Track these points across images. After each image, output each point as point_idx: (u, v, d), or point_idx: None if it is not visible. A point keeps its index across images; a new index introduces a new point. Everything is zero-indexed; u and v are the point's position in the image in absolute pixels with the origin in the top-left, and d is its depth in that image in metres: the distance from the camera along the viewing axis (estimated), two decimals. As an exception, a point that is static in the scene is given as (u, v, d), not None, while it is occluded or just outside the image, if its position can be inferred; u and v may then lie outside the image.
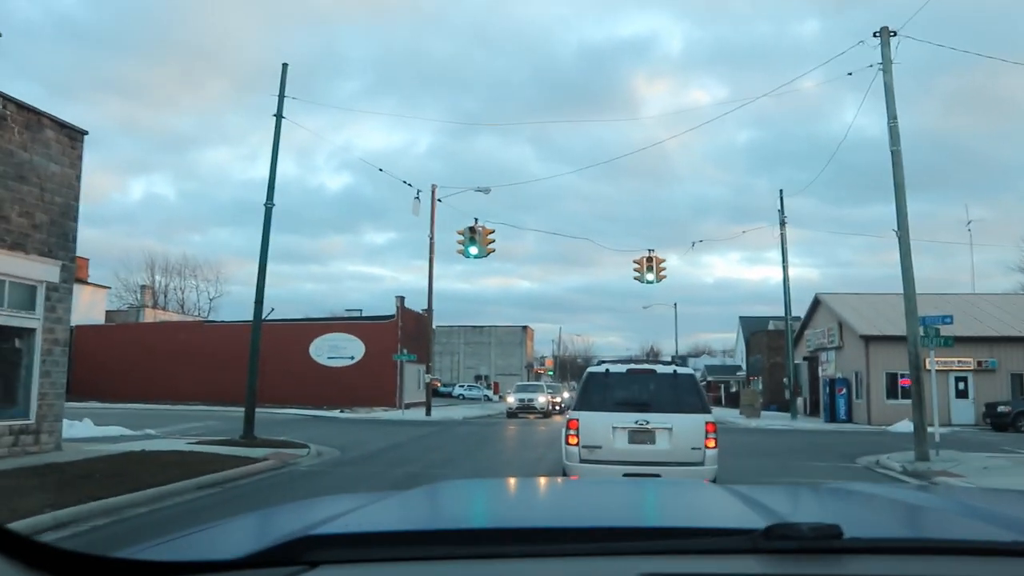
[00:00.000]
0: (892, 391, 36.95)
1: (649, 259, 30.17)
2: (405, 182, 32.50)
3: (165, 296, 76.55)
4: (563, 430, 11.53)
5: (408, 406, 42.93)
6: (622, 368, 11.77)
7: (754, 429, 33.34)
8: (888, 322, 36.74)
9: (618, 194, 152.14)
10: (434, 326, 45.28)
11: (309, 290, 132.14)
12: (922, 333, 18.18)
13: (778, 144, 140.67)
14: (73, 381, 45.33)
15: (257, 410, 20.26)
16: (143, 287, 70.35)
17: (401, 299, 47.61)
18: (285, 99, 21.16)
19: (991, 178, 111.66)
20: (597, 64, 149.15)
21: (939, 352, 19.48)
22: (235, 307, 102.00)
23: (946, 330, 19.37)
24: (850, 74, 18.98)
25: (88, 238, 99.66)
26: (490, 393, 75.67)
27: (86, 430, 20.13)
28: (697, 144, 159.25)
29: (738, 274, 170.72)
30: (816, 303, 46.22)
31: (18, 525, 8.05)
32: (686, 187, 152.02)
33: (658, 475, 10.12)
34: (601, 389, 11.34)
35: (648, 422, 10.77)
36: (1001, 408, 32.90)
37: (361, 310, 58.68)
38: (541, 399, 41.00)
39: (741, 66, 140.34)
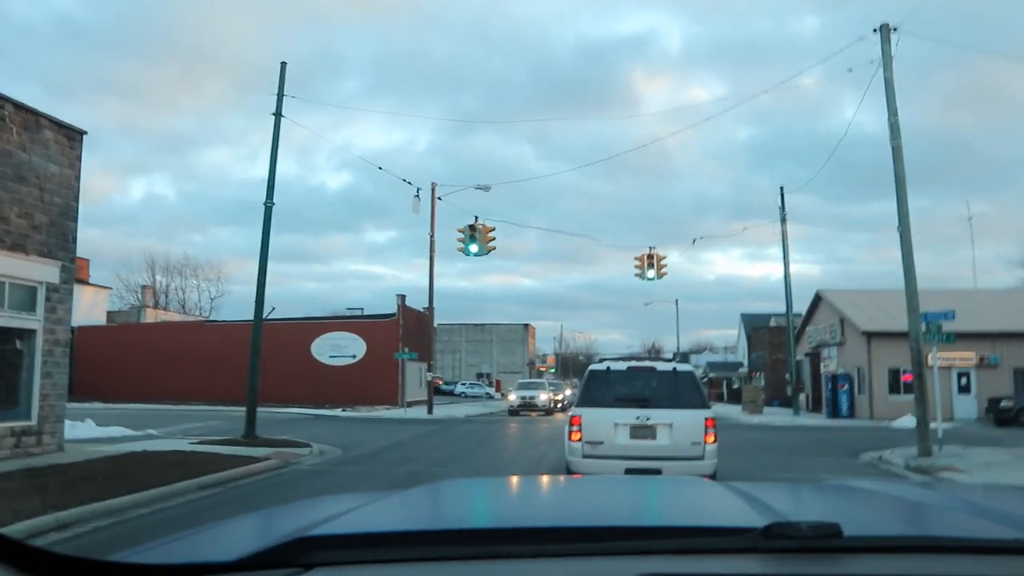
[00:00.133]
0: (894, 387, 36.91)
1: (650, 256, 30.15)
2: (405, 180, 32.44)
3: (166, 296, 76.59)
4: (566, 427, 11.74)
5: (410, 404, 42.95)
6: (623, 366, 12.05)
7: (756, 425, 33.33)
8: (890, 318, 36.67)
9: (618, 191, 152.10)
10: (436, 324, 45.30)
11: (311, 289, 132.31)
12: (924, 329, 18.14)
13: (778, 141, 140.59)
14: (75, 382, 45.39)
15: (259, 409, 20.24)
16: (144, 287, 70.39)
17: (402, 297, 47.61)
18: (284, 98, 21.14)
19: (992, 173, 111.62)
20: (596, 61, 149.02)
21: (941, 348, 19.43)
22: (236, 307, 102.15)
23: (948, 326, 19.32)
24: (850, 70, 18.97)
25: (89, 239, 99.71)
26: (492, 391, 75.74)
27: (88, 431, 20.13)
28: (697, 141, 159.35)
29: (739, 271, 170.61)
30: (817, 299, 46.17)
31: (20, 527, 8.04)
32: (686, 184, 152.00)
33: (659, 470, 10.40)
34: (603, 386, 11.56)
35: (649, 418, 11.02)
36: (1004, 403, 32.86)
37: (362, 309, 58.70)
38: (543, 397, 40.86)
39: (740, 63, 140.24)
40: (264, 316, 20.98)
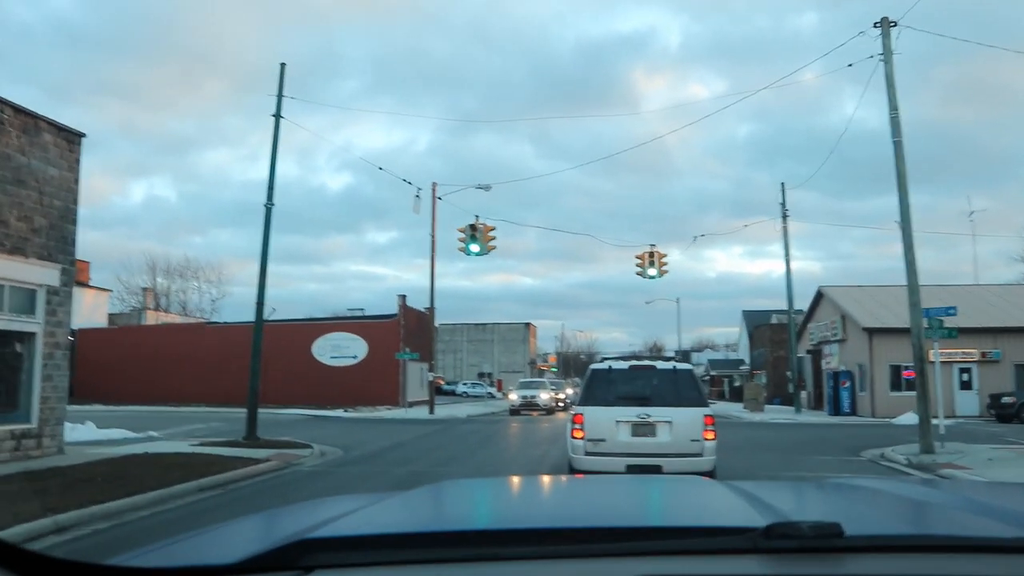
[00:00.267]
0: (896, 383, 36.86)
1: (651, 254, 30.10)
2: (405, 180, 32.46)
3: (167, 298, 76.58)
4: (568, 425, 12.06)
5: (411, 404, 42.94)
6: (624, 365, 12.35)
7: (758, 423, 33.30)
8: (891, 314, 36.65)
9: (619, 190, 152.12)
10: (437, 324, 45.27)
11: (312, 290, 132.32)
12: (926, 325, 18.10)
13: (778, 138, 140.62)
14: (76, 384, 45.42)
15: (260, 411, 20.21)
16: (145, 290, 70.40)
17: (403, 298, 47.59)
18: (284, 99, 21.12)
19: (993, 168, 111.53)
20: (595, 60, 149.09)
21: (943, 343, 19.39)
22: (237, 308, 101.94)
23: (950, 321, 19.29)
24: (850, 65, 18.89)
25: (89, 241, 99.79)
26: (494, 390, 75.74)
27: (89, 433, 20.11)
28: (697, 139, 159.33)
29: (740, 268, 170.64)
30: (819, 296, 46.13)
31: (19, 530, 8.02)
32: (687, 182, 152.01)
33: (659, 466, 10.78)
34: (604, 385, 11.83)
35: (649, 416, 11.32)
36: (1005, 399, 32.78)
37: (363, 309, 58.70)
38: (544, 396, 40.50)
39: (740, 60, 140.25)
40: (265, 317, 20.95)
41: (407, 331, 45.74)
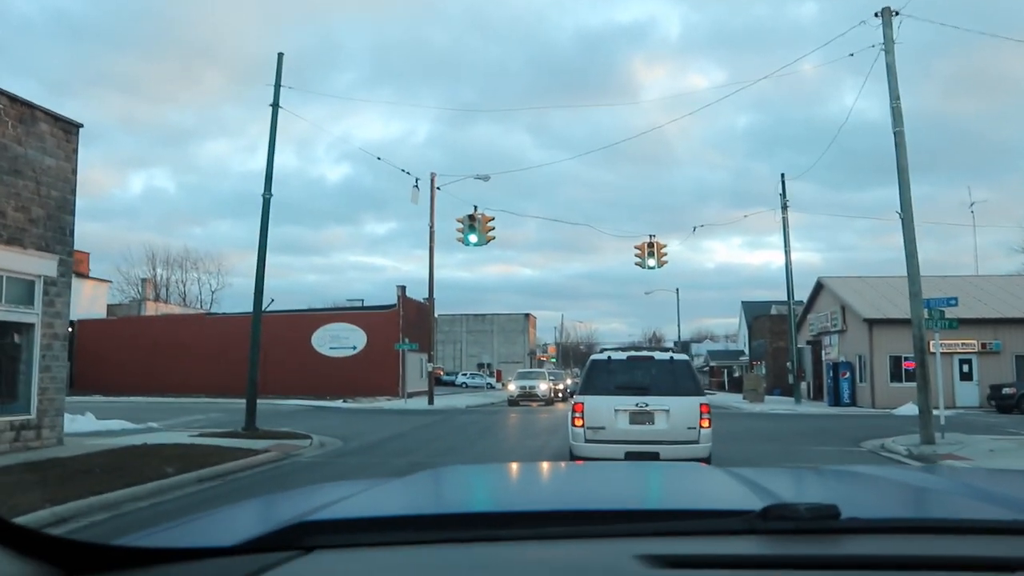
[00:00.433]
0: (896, 374, 36.87)
1: (650, 244, 30.05)
2: (403, 170, 32.34)
3: (167, 289, 76.59)
4: (569, 413, 12.50)
5: (411, 395, 42.91)
6: (623, 355, 12.81)
7: (758, 414, 33.29)
8: (892, 305, 36.64)
9: (618, 180, 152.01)
10: (436, 315, 45.23)
11: (311, 281, 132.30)
12: (927, 315, 18.07)
13: (778, 128, 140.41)
14: (76, 375, 45.51)
15: (260, 401, 20.18)
16: (144, 280, 70.30)
17: (402, 288, 47.53)
18: (282, 89, 21.02)
19: (993, 159, 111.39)
20: (594, 49, 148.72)
21: (943, 334, 19.36)
22: (237, 299, 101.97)
23: (950, 312, 19.25)
24: (852, 55, 18.80)
25: (89, 232, 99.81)
26: (493, 381, 75.74)
27: (88, 424, 20.07)
28: (697, 129, 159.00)
29: (740, 259, 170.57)
30: (819, 287, 46.08)
31: (17, 521, 7.98)
32: (686, 172, 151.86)
33: (657, 453, 11.24)
34: (604, 375, 12.30)
35: (647, 404, 11.77)
36: (1006, 390, 32.80)
37: (363, 300, 58.68)
38: (543, 386, 40.33)
39: (740, 50, 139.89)
40: (263, 308, 20.90)
41: (406, 322, 45.71)
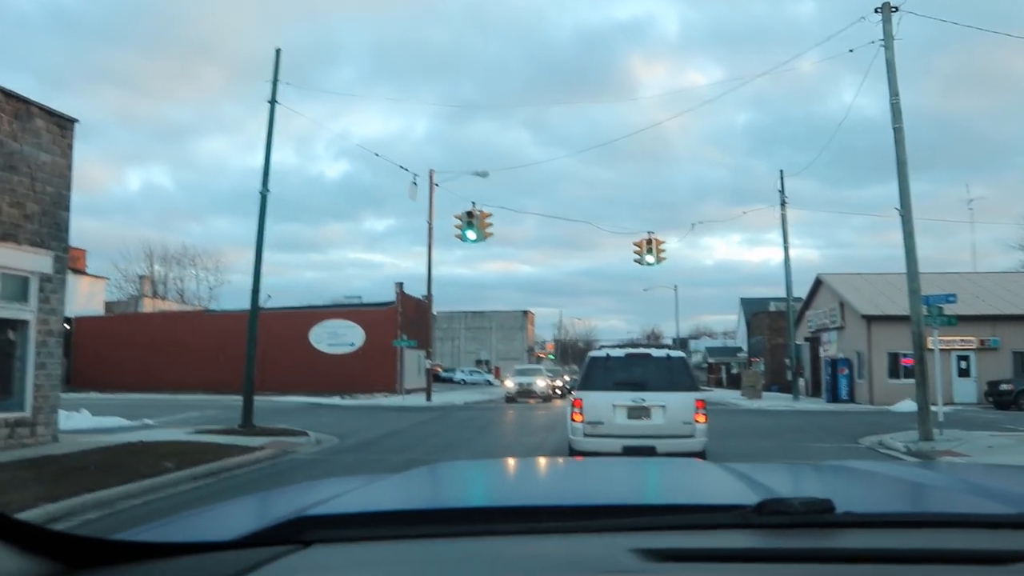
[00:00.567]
0: (894, 371, 36.86)
1: (649, 241, 29.97)
2: (402, 167, 32.32)
3: (164, 286, 76.41)
4: (568, 409, 12.91)
5: (409, 392, 42.84)
6: (621, 352, 13.14)
7: (756, 410, 33.27)
8: (890, 302, 36.61)
9: (618, 177, 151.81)
10: (434, 311, 45.17)
11: (310, 278, 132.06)
12: (926, 312, 18.02)
13: (777, 126, 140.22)
14: (72, 372, 45.46)
15: (257, 398, 20.11)
16: (142, 277, 70.14)
17: (400, 285, 47.48)
18: (281, 86, 20.96)
19: (991, 156, 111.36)
20: (593, 47, 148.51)
21: (942, 331, 19.32)
22: (235, 296, 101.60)
23: (949, 309, 19.21)
24: (851, 51, 18.74)
25: (87, 229, 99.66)
26: (491, 378, 75.68)
27: (83, 421, 19.98)
28: (696, 127, 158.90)
29: (738, 256, 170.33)
30: (817, 283, 46.05)
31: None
32: (685, 170, 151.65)
33: (654, 447, 11.56)
34: (602, 371, 12.61)
35: (644, 400, 12.10)
36: (1003, 386, 32.80)
37: (361, 297, 58.51)
38: (541, 383, 39.95)
39: (738, 47, 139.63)
40: (261, 304, 20.84)
41: (404, 318, 45.64)
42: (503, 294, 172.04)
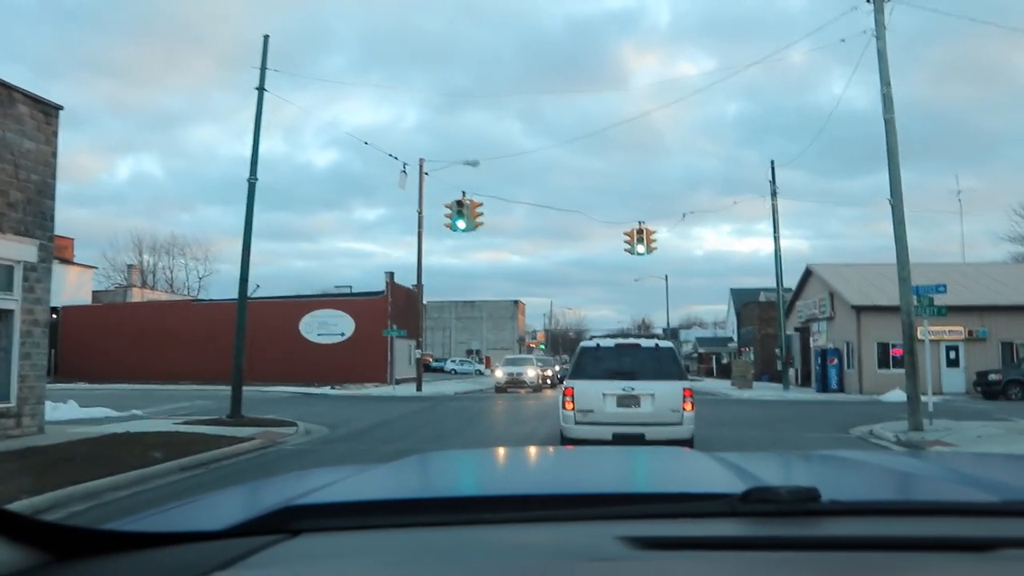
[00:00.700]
0: (883, 361, 36.97)
1: (639, 231, 29.91)
2: (391, 155, 32.07)
3: (154, 275, 76.11)
4: (559, 397, 13.20)
5: (399, 382, 42.76)
6: (611, 343, 13.53)
7: (746, 400, 33.32)
8: (880, 292, 36.67)
9: (608, 167, 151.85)
10: (425, 301, 45.02)
11: (300, 267, 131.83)
12: (916, 302, 18.02)
13: (768, 117, 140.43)
14: (60, 363, 45.21)
15: (246, 388, 19.99)
16: (130, 267, 69.73)
17: (390, 275, 47.29)
18: (270, 73, 20.77)
19: (981, 148, 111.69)
20: (585, 37, 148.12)
21: (932, 321, 19.33)
22: (225, 285, 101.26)
23: (939, 299, 19.22)
24: (843, 40, 18.64)
25: (75, 219, 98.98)
26: (482, 368, 75.61)
27: (71, 412, 19.83)
28: (687, 117, 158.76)
29: (729, 246, 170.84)
30: (807, 274, 46.11)
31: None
32: (676, 160, 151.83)
33: (643, 434, 11.96)
34: (593, 361, 12.95)
35: (634, 389, 12.44)
36: (992, 376, 32.94)
37: (351, 286, 58.33)
38: (531, 373, 39.79)
39: (730, 38, 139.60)
40: (249, 294, 20.69)
41: (395, 308, 45.50)
42: (494, 284, 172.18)
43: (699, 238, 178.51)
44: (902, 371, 18.03)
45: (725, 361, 73.02)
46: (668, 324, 77.96)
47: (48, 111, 15.48)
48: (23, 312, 14.67)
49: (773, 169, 39.74)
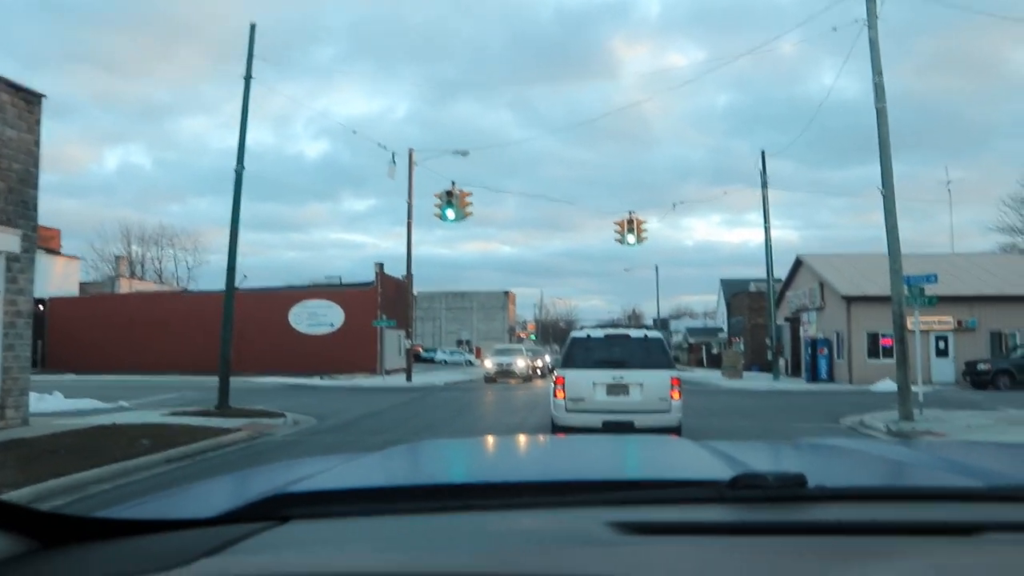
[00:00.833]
0: (873, 351, 37.04)
1: (630, 221, 29.82)
2: (380, 145, 31.91)
3: (142, 266, 75.69)
4: (551, 386, 13.59)
5: (389, 372, 42.60)
6: (601, 333, 14.07)
7: (736, 390, 33.34)
8: (870, 282, 36.71)
9: (599, 159, 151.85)
10: (415, 292, 44.91)
11: (290, 258, 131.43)
12: (907, 292, 17.98)
13: (758, 107, 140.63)
14: (47, 354, 44.90)
15: (235, 379, 19.82)
16: (118, 258, 69.24)
17: (380, 265, 47.09)
18: (259, 63, 20.58)
19: (970, 139, 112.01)
20: (576, 28, 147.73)
21: (922, 311, 19.32)
22: (215, 276, 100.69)
23: (930, 289, 19.20)
24: (835, 29, 18.58)
25: (64, 209, 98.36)
26: (472, 358, 75.57)
27: (56, 404, 19.63)
28: (677, 108, 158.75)
29: (719, 237, 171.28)
30: (798, 264, 46.14)
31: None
32: (667, 151, 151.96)
33: (632, 422, 12.28)
34: (583, 351, 13.29)
35: (623, 378, 12.79)
36: (981, 366, 33.04)
37: (340, 277, 58.02)
38: (521, 363, 39.33)
39: (720, 28, 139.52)
40: (237, 285, 20.51)
41: (384, 299, 45.32)
42: (484, 274, 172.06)
43: (689, 229, 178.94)
44: (892, 361, 18.03)
45: (715, 351, 73.13)
46: (658, 314, 78.06)
47: (30, 99, 15.24)
48: (6, 303, 14.47)
49: (764, 159, 39.67)
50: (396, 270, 46.98)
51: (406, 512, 1.47)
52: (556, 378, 13.30)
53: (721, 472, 1.65)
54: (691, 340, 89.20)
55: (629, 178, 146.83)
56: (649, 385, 12.75)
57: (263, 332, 42.96)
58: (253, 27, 20.63)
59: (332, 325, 46.00)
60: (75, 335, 45.84)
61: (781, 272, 46.95)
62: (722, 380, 40.67)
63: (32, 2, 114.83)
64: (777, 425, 17.79)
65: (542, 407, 18.72)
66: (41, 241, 48.74)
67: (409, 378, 37.03)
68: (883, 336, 34.98)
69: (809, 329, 42.68)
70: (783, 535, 1.29)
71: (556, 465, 2.24)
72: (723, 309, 76.02)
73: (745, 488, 1.44)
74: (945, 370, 36.43)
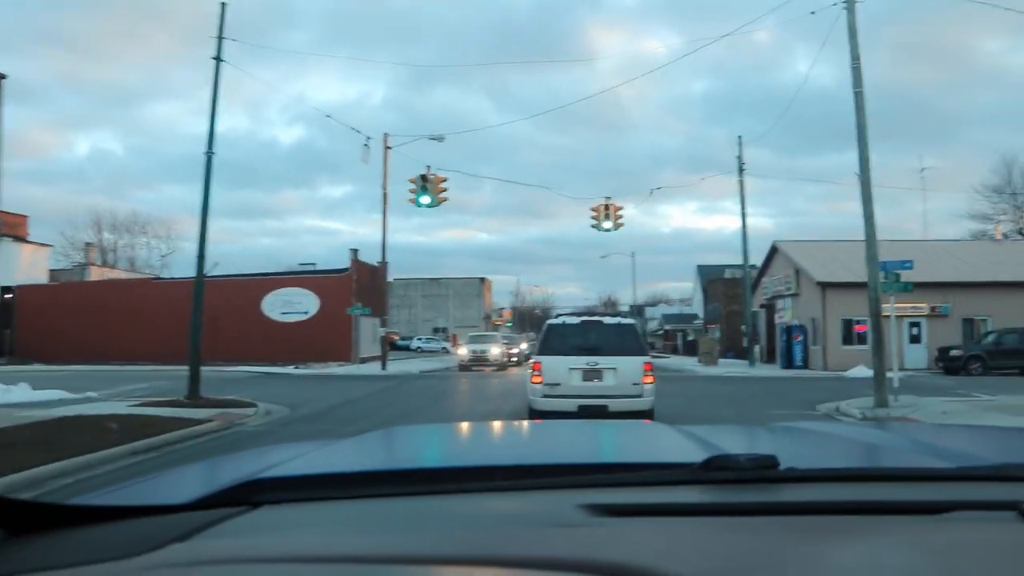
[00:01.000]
0: (848, 337, 37.25)
1: (606, 207, 29.67)
2: (354, 129, 31.57)
3: (115, 254, 74.63)
4: (528, 372, 14.05)
5: (364, 360, 42.24)
6: (576, 320, 14.39)
7: (712, 377, 33.41)
8: (845, 269, 36.87)
9: (575, 144, 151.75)
10: (391, 279, 44.58)
11: (265, 245, 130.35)
12: (883, 278, 17.98)
13: (734, 95, 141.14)
14: (15, 344, 44.17)
15: (208, 368, 19.49)
16: (88, 245, 68.11)
17: (355, 252, 46.63)
18: (230, 45, 20.09)
19: (943, 129, 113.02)
20: (552, 13, 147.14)
21: (897, 297, 19.35)
22: (188, 264, 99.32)
23: (906, 275, 19.22)
24: (813, 13, 18.47)
25: (32, 196, 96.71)
26: (448, 345, 75.31)
27: (22, 395, 19.18)
28: (654, 95, 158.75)
29: (695, 224, 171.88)
30: (773, 251, 46.29)
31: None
32: (643, 138, 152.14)
33: (606, 406, 12.62)
34: (559, 337, 13.63)
35: (598, 363, 13.11)
36: (953, 352, 33.33)
37: (315, 264, 57.53)
38: (495, 350, 39.19)
39: (697, 15, 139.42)
40: (207, 271, 20.14)
41: (359, 286, 44.88)
42: (460, 261, 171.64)
43: (666, 215, 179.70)
44: (866, 347, 18.07)
45: (691, 338, 73.37)
46: (635, 301, 78.24)
47: (-10, 80, 14.79)
48: (-34, 291, 14.06)
49: (740, 144, 39.68)
50: (372, 257, 46.56)
51: (379, 496, 1.47)
52: (533, 364, 13.65)
53: (695, 455, 1.66)
54: (667, 327, 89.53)
55: (606, 165, 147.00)
56: (623, 370, 13.05)
57: (236, 320, 42.40)
58: (223, 6, 20.16)
59: (306, 313, 45.53)
60: (44, 324, 44.97)
61: (756, 259, 47.16)
62: (698, 367, 40.77)
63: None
64: (753, 412, 17.77)
65: (517, 395, 18.58)
66: (7, 228, 47.93)
67: (384, 366, 36.73)
68: (857, 323, 35.21)
69: (784, 316, 42.86)
70: (755, 515, 1.31)
71: (529, 449, 2.28)
72: (699, 296, 76.33)
73: (718, 470, 1.45)
74: (917, 356, 36.70)
